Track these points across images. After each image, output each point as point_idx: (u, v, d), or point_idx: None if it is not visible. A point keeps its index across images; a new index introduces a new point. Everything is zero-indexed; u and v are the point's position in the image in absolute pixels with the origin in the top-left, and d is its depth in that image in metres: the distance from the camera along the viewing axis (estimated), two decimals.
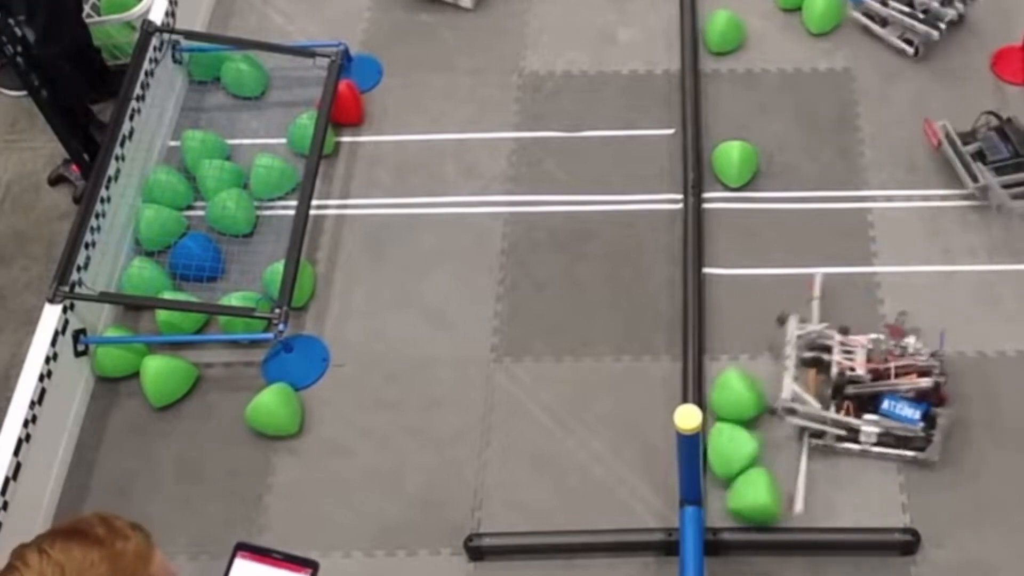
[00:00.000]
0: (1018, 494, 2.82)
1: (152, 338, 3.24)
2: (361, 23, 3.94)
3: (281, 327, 3.08)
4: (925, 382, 2.84)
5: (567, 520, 2.85)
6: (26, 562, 1.52)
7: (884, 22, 3.68)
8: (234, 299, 3.19)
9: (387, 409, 3.07)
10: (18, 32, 3.38)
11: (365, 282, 3.33)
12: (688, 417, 2.35)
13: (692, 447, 2.51)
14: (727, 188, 3.42)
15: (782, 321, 3.03)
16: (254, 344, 3.19)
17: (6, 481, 2.77)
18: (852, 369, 2.86)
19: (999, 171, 3.26)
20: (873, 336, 2.93)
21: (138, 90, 3.49)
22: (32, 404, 2.89)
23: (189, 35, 3.73)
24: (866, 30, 3.72)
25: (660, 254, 3.29)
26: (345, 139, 3.65)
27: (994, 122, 3.34)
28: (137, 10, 3.84)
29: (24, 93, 3.76)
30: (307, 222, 3.30)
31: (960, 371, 3.02)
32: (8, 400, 2.91)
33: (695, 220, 3.32)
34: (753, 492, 2.77)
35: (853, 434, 2.85)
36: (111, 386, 3.18)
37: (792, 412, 2.85)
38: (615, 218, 3.40)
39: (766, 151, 3.48)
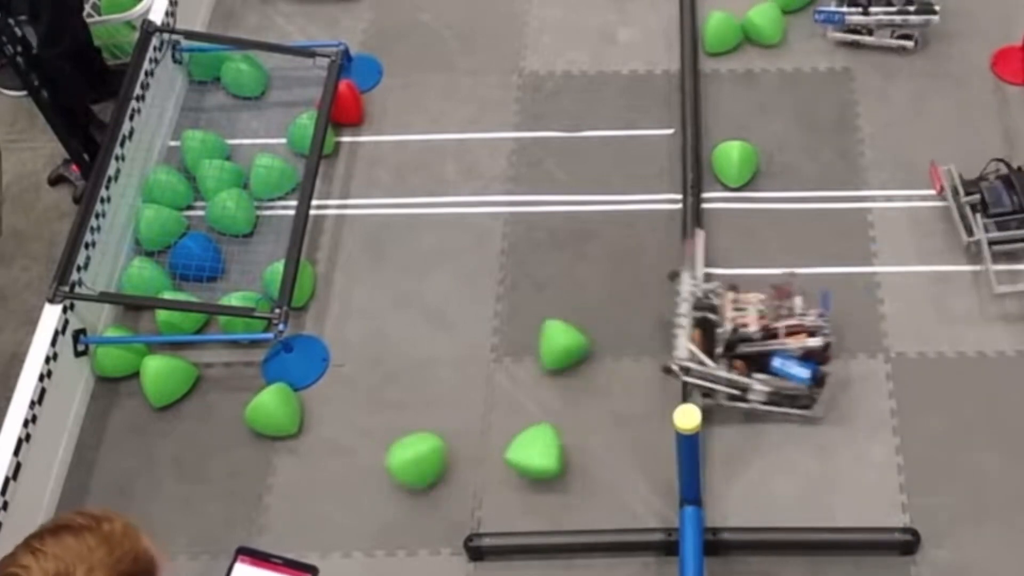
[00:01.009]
0: (1018, 494, 2.82)
1: (152, 338, 3.24)
2: (361, 23, 3.94)
3: (281, 327, 3.08)
4: (815, 342, 2.87)
5: (567, 520, 2.85)
6: (23, 565, 1.48)
7: (870, 31, 3.66)
8: (234, 299, 3.19)
9: (387, 409, 3.07)
10: (18, 32, 3.38)
11: (365, 282, 3.33)
12: (688, 417, 2.36)
13: (692, 447, 2.51)
14: (727, 188, 3.42)
15: (673, 277, 3.03)
16: (254, 344, 3.19)
17: (6, 481, 2.77)
18: (745, 325, 2.87)
19: (1000, 224, 3.15)
20: (761, 296, 2.96)
21: (138, 90, 3.49)
22: (32, 404, 2.89)
23: (189, 35, 3.73)
24: (855, 44, 3.69)
25: (660, 254, 3.29)
26: (345, 139, 3.65)
27: (1003, 170, 3.24)
28: (137, 10, 3.84)
29: (24, 93, 3.77)
30: (307, 222, 3.30)
31: (960, 371, 3.03)
32: (8, 400, 2.91)
33: (694, 220, 3.31)
34: (536, 451, 2.86)
35: (743, 392, 2.88)
36: (111, 386, 3.18)
37: (687, 371, 2.87)
38: (615, 218, 3.40)
39: (766, 151, 3.48)
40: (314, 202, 3.38)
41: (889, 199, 3.37)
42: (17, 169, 3.91)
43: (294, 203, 3.35)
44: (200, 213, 3.48)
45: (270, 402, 3.01)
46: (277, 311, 3.08)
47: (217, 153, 3.57)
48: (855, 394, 3.00)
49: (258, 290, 3.27)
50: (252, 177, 3.50)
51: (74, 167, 3.78)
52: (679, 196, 3.39)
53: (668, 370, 2.90)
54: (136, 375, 3.14)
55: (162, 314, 3.23)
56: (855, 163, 3.45)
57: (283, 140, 3.64)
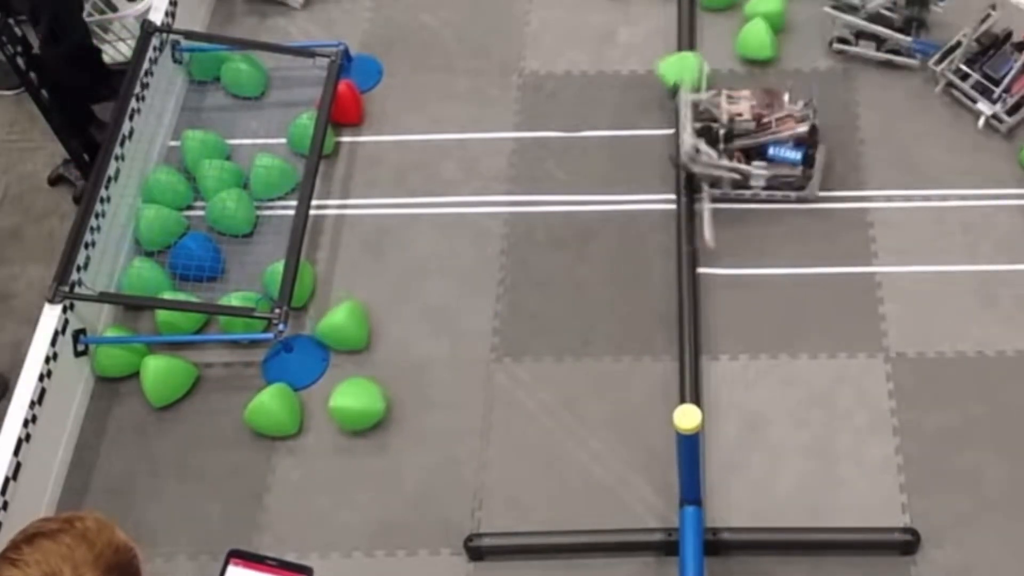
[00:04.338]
0: (1018, 494, 2.82)
1: (152, 338, 3.23)
2: (361, 23, 3.94)
3: (281, 327, 3.08)
4: (803, 128, 3.24)
5: (567, 520, 2.85)
6: None
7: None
8: (234, 299, 3.19)
9: (387, 409, 3.07)
10: (18, 32, 3.38)
11: (365, 282, 3.33)
12: (688, 417, 2.36)
13: (692, 447, 2.51)
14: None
15: (674, 94, 3.43)
16: (254, 344, 3.19)
17: (6, 481, 2.77)
18: (740, 115, 3.24)
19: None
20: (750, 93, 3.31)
21: (138, 90, 3.49)
22: (32, 404, 2.89)
23: (189, 35, 3.73)
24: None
25: (660, 254, 3.29)
26: (345, 139, 3.65)
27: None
28: (138, 8, 3.85)
29: (19, 90, 3.77)
30: (307, 222, 3.30)
31: (960, 371, 3.02)
32: (8, 400, 2.91)
33: (688, 220, 3.31)
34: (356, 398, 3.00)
35: (744, 181, 3.28)
36: (111, 386, 3.18)
37: (693, 161, 3.24)
38: (615, 218, 3.40)
39: None
40: (314, 202, 3.38)
41: (889, 199, 3.37)
42: (17, 169, 3.91)
43: (294, 203, 3.35)
44: (200, 213, 3.48)
45: (270, 402, 3.01)
46: (277, 311, 3.08)
47: (217, 153, 3.57)
48: (855, 394, 3.01)
49: (258, 290, 3.27)
50: (252, 177, 3.50)
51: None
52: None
53: (676, 163, 3.29)
54: (136, 375, 3.14)
55: (162, 314, 3.23)
56: (855, 163, 3.45)
57: (283, 140, 3.64)
